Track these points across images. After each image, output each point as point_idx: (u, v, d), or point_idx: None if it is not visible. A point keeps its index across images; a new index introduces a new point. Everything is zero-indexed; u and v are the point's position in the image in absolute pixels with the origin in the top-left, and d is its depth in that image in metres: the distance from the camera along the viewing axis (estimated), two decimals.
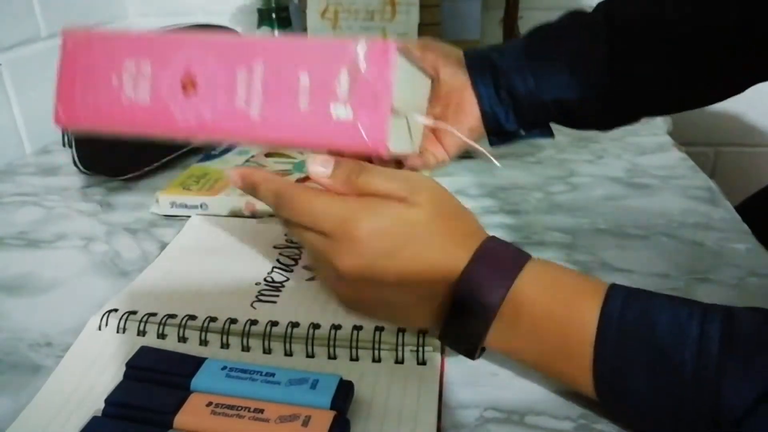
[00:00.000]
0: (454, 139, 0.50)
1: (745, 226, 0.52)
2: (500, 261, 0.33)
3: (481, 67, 0.50)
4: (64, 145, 0.62)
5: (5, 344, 0.40)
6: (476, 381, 0.36)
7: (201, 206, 0.57)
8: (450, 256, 0.33)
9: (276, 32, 0.87)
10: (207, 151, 0.68)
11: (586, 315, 0.31)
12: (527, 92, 0.50)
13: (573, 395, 0.34)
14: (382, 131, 0.33)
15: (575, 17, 0.51)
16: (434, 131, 0.51)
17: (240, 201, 0.56)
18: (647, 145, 0.72)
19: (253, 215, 0.56)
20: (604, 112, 0.51)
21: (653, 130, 0.77)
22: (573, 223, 0.54)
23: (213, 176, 0.61)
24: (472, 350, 0.34)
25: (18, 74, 0.76)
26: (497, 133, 0.52)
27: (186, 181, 0.60)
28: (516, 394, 0.34)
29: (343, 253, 0.34)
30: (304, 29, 0.81)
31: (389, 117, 0.33)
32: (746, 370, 0.27)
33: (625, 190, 0.61)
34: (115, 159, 0.63)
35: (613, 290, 0.31)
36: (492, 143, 0.53)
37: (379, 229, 0.33)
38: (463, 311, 0.33)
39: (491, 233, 0.36)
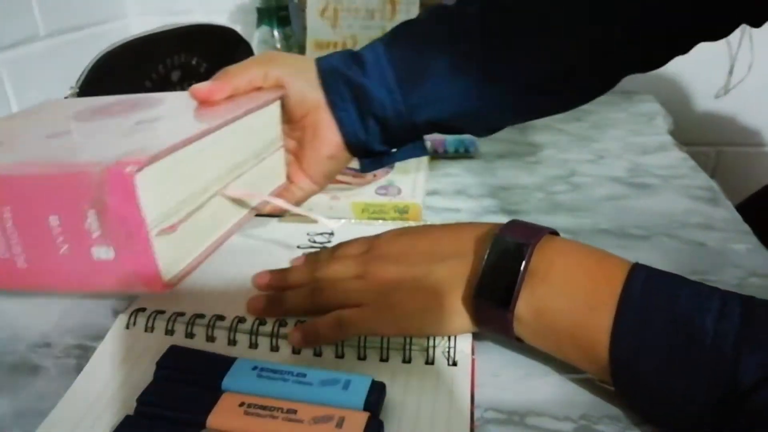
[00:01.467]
0: (320, 166, 0.47)
1: (746, 226, 0.52)
2: (532, 225, 0.36)
3: (338, 88, 0.44)
4: None
5: (5, 344, 0.40)
6: (477, 382, 0.35)
7: None
8: (481, 225, 0.38)
9: (275, 31, 0.87)
10: None
11: (614, 277, 0.32)
12: (396, 115, 0.44)
13: (573, 396, 0.34)
14: (151, 267, 0.31)
15: (444, 18, 0.45)
16: (297, 158, 0.47)
17: None
18: (649, 145, 0.72)
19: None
20: (478, 123, 0.48)
21: (655, 130, 0.77)
22: (574, 223, 0.54)
23: None
24: (507, 297, 0.33)
25: (17, 73, 0.76)
26: (366, 155, 0.48)
27: None
28: (517, 395, 0.34)
29: (381, 239, 0.41)
30: (304, 28, 0.80)
31: (153, 249, 0.31)
32: (766, 342, 0.27)
33: (627, 190, 0.60)
34: None
35: (638, 265, 0.33)
36: (364, 167, 0.49)
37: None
38: (500, 255, 0.34)
39: None
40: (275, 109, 0.45)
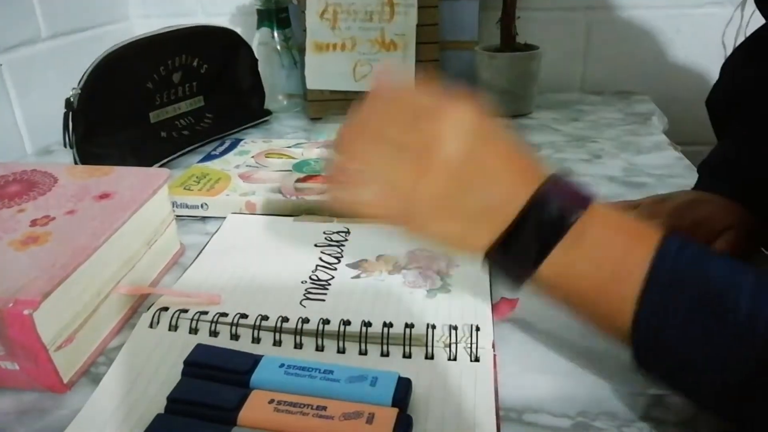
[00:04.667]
0: None
1: None
2: (578, 191, 0.33)
3: None
4: (65, 145, 0.62)
5: None
6: None
7: (202, 206, 0.57)
8: (528, 166, 0.34)
9: (275, 32, 0.87)
10: (207, 152, 0.69)
11: (646, 247, 0.30)
12: None
13: (571, 393, 0.35)
14: (52, 376, 0.35)
15: None
16: None
17: (240, 201, 0.57)
18: (644, 145, 0.73)
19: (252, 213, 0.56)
20: None
21: (650, 130, 0.78)
22: None
23: (213, 177, 0.61)
24: (524, 275, 0.32)
25: (19, 75, 0.76)
26: None
27: (187, 181, 0.60)
28: (514, 391, 0.35)
29: (446, 134, 0.32)
30: (304, 30, 0.81)
31: (52, 364, 0.34)
32: None
33: (622, 189, 0.61)
34: (116, 159, 0.64)
35: (672, 234, 0.31)
36: None
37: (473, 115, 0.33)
38: (539, 215, 0.31)
39: None
40: (163, 191, 0.47)
